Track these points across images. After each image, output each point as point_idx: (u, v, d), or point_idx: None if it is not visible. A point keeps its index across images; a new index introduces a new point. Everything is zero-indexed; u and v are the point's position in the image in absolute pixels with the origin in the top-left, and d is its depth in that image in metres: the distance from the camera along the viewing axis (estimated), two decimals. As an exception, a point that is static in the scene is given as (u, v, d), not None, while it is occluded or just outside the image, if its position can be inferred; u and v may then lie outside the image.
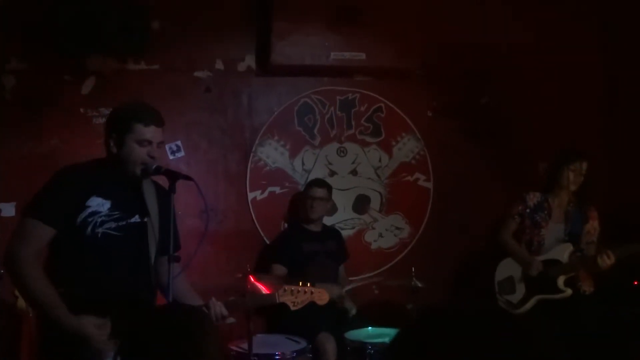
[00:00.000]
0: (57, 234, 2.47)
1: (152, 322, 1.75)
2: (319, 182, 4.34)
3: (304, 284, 2.89)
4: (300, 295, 2.87)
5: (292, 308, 2.86)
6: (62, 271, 2.50)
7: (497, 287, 3.99)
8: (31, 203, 2.50)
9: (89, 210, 2.48)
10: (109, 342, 2.39)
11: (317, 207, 4.22)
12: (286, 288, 2.85)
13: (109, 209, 2.52)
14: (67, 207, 2.47)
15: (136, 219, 2.59)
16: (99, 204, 2.50)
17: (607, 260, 3.54)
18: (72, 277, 2.48)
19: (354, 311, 4.04)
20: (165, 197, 2.63)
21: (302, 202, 4.32)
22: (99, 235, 2.49)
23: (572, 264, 3.74)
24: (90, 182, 2.53)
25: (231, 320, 4.14)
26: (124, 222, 2.55)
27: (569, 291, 3.73)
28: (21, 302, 3.64)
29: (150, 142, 2.53)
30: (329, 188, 4.32)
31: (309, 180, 4.48)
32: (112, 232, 2.52)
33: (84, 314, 2.39)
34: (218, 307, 2.59)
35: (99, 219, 2.49)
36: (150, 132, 2.53)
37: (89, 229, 2.48)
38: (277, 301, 2.84)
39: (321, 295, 2.94)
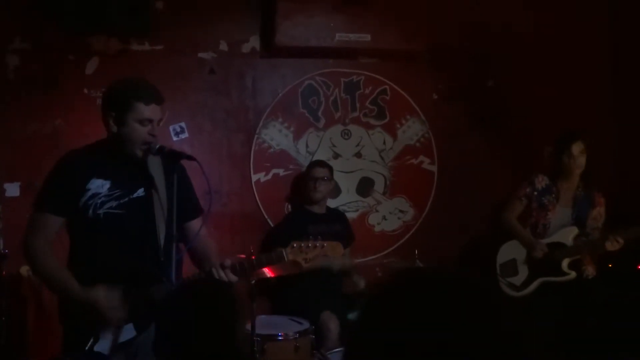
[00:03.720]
0: (67, 220, 2.54)
1: (182, 300, 1.78)
2: (321, 163, 4.33)
3: (314, 239, 2.64)
4: (311, 250, 2.60)
5: (305, 265, 2.63)
6: (74, 254, 2.57)
7: (499, 270, 3.99)
8: (37, 195, 2.58)
9: (89, 193, 2.51)
10: (120, 311, 2.42)
11: (320, 187, 4.22)
12: (295, 244, 2.59)
13: (108, 188, 2.53)
14: (68, 193, 2.50)
15: (140, 193, 2.58)
16: (98, 186, 2.52)
17: (616, 245, 3.56)
18: (82, 260, 2.54)
19: (362, 284, 4.02)
20: (172, 169, 2.61)
21: (304, 184, 4.32)
22: (101, 216, 2.51)
23: (577, 247, 3.75)
24: (90, 165, 2.55)
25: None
26: (126, 199, 2.55)
27: (573, 274, 3.74)
28: (23, 270, 3.71)
29: (151, 121, 2.51)
30: (330, 168, 4.32)
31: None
32: (114, 211, 2.52)
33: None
34: (223, 275, 2.49)
35: (99, 200, 2.51)
36: (151, 110, 2.50)
37: (90, 211, 2.50)
38: (286, 259, 2.60)
39: (335, 248, 2.66)
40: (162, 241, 2.57)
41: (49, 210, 2.51)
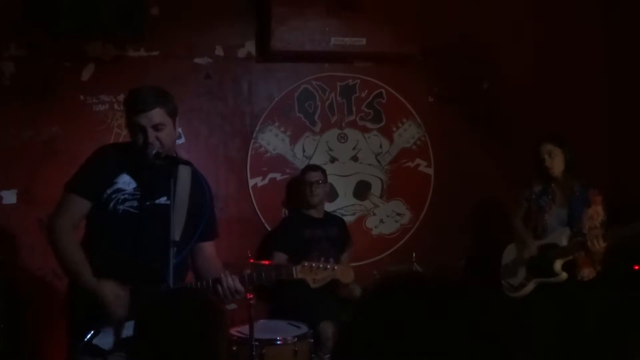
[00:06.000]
0: (92, 207, 2.61)
1: (159, 309, 1.78)
2: (313, 167, 4.34)
3: (326, 261, 2.71)
4: (321, 272, 2.66)
5: (312, 285, 2.69)
6: (85, 243, 2.62)
7: (502, 271, 4.02)
8: (71, 179, 2.66)
9: (115, 186, 2.60)
10: (122, 309, 2.47)
11: (316, 190, 4.22)
12: (306, 264, 2.67)
13: (134, 188, 2.61)
14: (99, 180, 2.60)
15: (162, 200, 2.63)
16: (125, 182, 2.61)
17: (596, 244, 3.53)
18: (92, 250, 2.58)
19: (358, 292, 4.03)
20: (199, 182, 2.72)
21: (300, 189, 4.32)
22: (120, 212, 2.58)
23: (569, 248, 3.73)
24: (123, 160, 2.64)
25: (233, 306, 4.17)
26: (147, 203, 2.61)
27: (563, 275, 3.72)
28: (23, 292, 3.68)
29: (143, 127, 2.56)
30: (323, 171, 4.32)
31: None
32: (133, 211, 2.60)
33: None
34: (231, 281, 2.56)
35: (122, 197, 2.59)
36: (139, 119, 2.56)
37: (112, 205, 2.59)
38: (295, 276, 2.67)
39: (344, 272, 2.73)
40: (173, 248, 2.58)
41: (77, 192, 2.60)
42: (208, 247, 2.79)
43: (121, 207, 2.59)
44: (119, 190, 2.60)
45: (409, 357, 0.79)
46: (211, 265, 2.77)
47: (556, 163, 3.83)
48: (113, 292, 2.47)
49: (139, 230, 2.58)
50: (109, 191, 2.59)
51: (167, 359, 1.68)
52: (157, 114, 2.58)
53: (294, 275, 2.67)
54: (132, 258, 2.54)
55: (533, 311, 3.73)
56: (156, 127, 2.57)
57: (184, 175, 2.66)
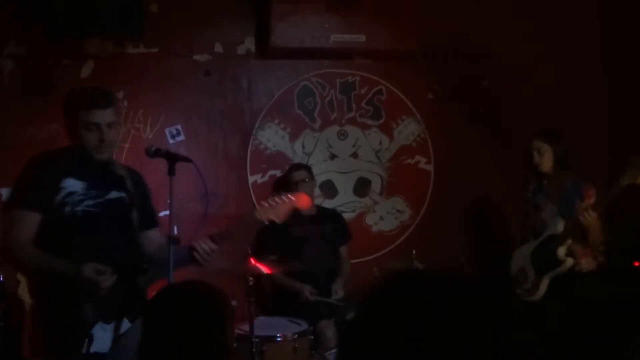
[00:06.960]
0: (43, 218, 2.51)
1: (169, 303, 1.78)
2: (297, 166, 4.29)
3: (279, 194, 2.76)
4: (280, 206, 2.73)
5: (278, 221, 2.74)
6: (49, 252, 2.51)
7: (514, 279, 3.95)
8: (9, 195, 2.59)
9: (65, 191, 2.53)
10: (108, 279, 2.39)
11: (302, 189, 4.15)
12: (263, 203, 2.73)
13: (84, 188, 2.56)
14: (42, 189, 2.51)
15: (114, 194, 2.64)
16: (73, 185, 2.54)
17: (587, 217, 3.50)
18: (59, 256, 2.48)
19: (339, 294, 3.99)
20: (137, 178, 2.76)
21: (287, 189, 4.27)
22: (79, 213, 2.53)
23: (565, 232, 3.69)
24: (62, 164, 2.58)
25: (233, 303, 4.17)
26: (101, 199, 2.59)
27: (569, 260, 3.67)
28: (22, 291, 3.67)
29: (98, 125, 2.54)
30: (308, 169, 4.28)
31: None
32: (92, 209, 2.56)
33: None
34: (204, 245, 2.62)
35: (77, 198, 2.54)
36: (93, 115, 2.53)
37: (68, 208, 2.52)
38: (260, 219, 2.72)
39: (300, 198, 2.79)
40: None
41: (22, 207, 2.49)
42: (157, 234, 2.80)
43: (79, 208, 2.53)
44: (71, 193, 2.53)
45: (415, 356, 0.79)
46: (155, 238, 2.78)
47: (545, 160, 3.81)
48: (94, 268, 2.38)
49: (101, 227, 2.56)
50: (58, 197, 2.50)
51: (178, 351, 1.68)
52: (111, 113, 2.58)
53: (259, 218, 2.73)
54: (104, 255, 2.47)
55: (538, 309, 3.70)
56: (110, 126, 2.57)
57: (120, 168, 2.73)
